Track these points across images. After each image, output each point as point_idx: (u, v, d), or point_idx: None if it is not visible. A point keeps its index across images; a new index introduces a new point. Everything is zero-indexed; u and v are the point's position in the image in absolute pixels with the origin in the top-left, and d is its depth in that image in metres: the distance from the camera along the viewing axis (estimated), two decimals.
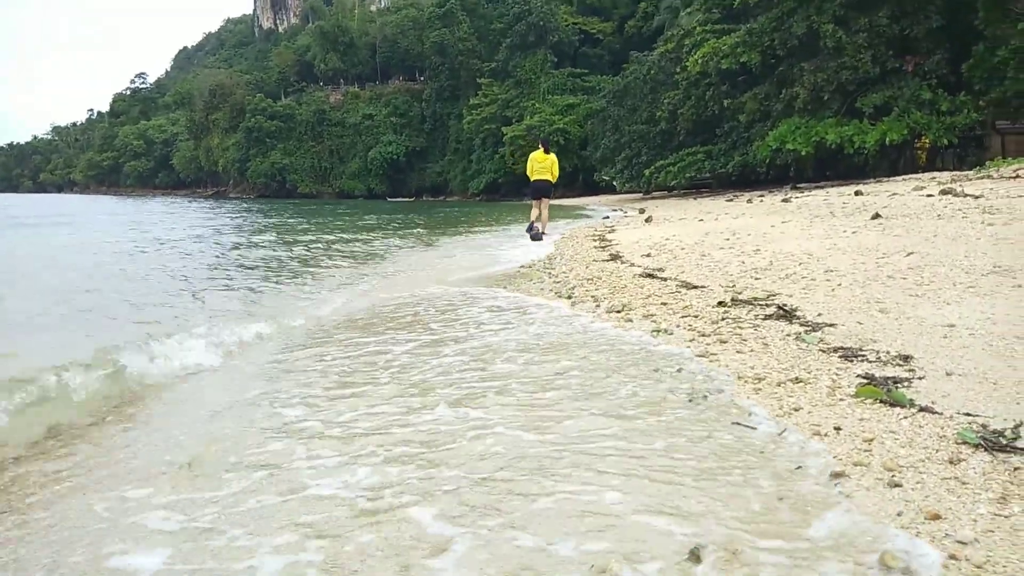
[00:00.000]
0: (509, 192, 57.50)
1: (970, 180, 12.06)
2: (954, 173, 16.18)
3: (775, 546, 1.81)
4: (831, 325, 3.85)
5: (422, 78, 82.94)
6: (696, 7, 32.50)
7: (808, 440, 2.44)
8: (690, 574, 1.71)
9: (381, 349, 4.42)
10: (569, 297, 5.94)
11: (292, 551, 1.94)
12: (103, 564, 1.96)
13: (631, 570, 1.74)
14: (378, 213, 33.19)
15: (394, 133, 79.71)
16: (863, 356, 3.24)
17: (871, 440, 2.35)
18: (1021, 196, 8.40)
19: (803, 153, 22.75)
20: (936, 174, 17.07)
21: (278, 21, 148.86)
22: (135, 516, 2.23)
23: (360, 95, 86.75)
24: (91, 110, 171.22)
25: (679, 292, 5.54)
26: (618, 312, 5.04)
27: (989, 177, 12.15)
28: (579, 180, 50.41)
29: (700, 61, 26.86)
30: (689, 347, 3.86)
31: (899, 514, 1.88)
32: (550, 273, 7.75)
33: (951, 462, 2.12)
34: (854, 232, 7.46)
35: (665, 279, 6.26)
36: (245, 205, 51.03)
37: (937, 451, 2.21)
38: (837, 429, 2.49)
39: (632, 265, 7.53)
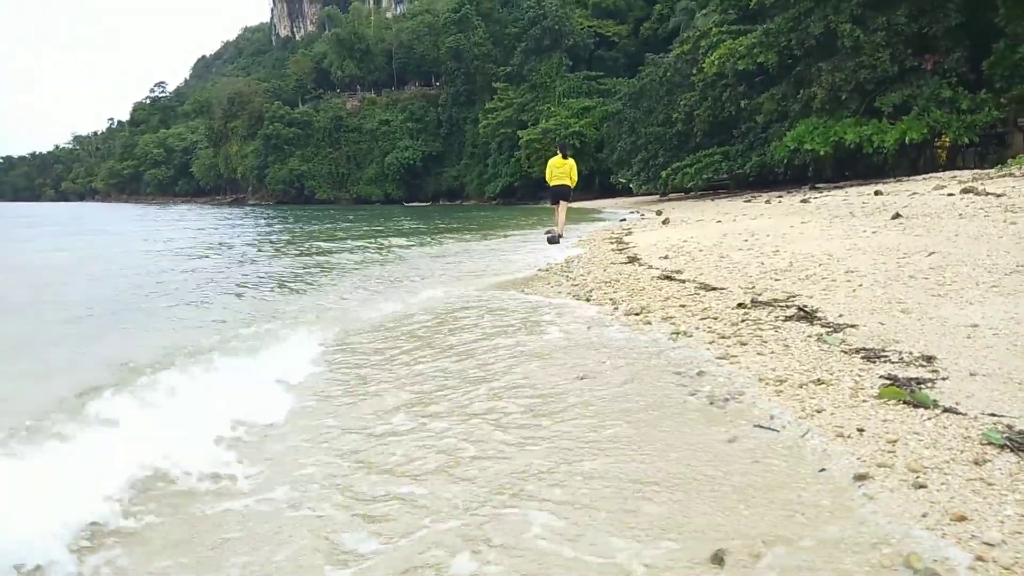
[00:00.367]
0: (525, 196, 57.66)
1: (992, 178, 11.91)
2: (975, 171, 15.97)
3: (799, 547, 1.81)
4: (853, 326, 3.82)
5: (438, 83, 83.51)
6: (712, 8, 32.31)
7: (831, 442, 2.43)
8: None
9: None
10: (588, 300, 5.93)
11: None
12: None
13: (654, 572, 1.74)
14: (398, 218, 33.17)
15: (410, 138, 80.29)
16: (885, 357, 3.21)
17: (895, 441, 2.33)
18: None
19: (822, 153, 22.54)
20: (957, 173, 16.87)
21: (295, 29, 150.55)
22: None
23: (377, 101, 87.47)
24: (111, 119, 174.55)
25: (698, 294, 5.49)
26: (637, 315, 5.01)
27: (1011, 175, 11.99)
28: (595, 183, 50.28)
29: (716, 62, 26.70)
30: (709, 349, 3.84)
31: (924, 515, 1.87)
32: (568, 276, 7.74)
33: (976, 463, 2.10)
34: (874, 232, 7.38)
35: (683, 281, 6.20)
36: (270, 212, 51.26)
37: (962, 452, 2.19)
38: (860, 431, 2.47)
39: (650, 267, 7.49)
